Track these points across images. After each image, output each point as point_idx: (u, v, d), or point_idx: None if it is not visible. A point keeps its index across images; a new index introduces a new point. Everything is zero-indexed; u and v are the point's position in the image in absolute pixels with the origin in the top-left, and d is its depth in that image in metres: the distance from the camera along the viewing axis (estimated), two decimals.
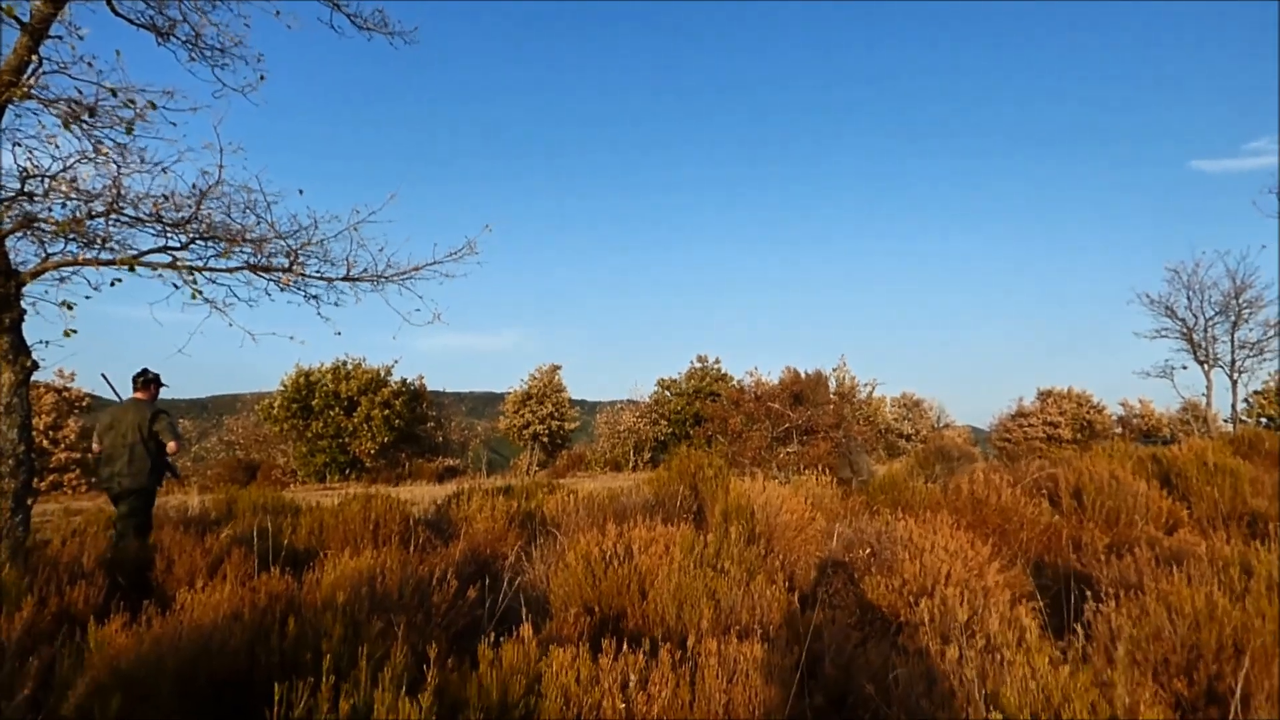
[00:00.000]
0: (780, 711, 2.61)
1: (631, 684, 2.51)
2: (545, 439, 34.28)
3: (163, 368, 6.73)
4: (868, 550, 4.23)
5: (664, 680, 2.59)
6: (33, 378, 5.30)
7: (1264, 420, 31.19)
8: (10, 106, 4.90)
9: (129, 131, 4.84)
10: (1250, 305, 19.82)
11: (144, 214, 5.22)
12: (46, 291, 5.40)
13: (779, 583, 3.82)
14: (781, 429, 8.72)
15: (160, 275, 5.34)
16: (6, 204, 5.04)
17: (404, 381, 31.05)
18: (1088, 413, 36.38)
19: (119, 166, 5.06)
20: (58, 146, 4.98)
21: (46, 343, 5.31)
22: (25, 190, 5.10)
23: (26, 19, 4.73)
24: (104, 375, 6.47)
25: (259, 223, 5.61)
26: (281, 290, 6.20)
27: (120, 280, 5.13)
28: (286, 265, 5.90)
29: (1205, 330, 20.62)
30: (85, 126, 4.86)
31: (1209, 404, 21.28)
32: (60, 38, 4.94)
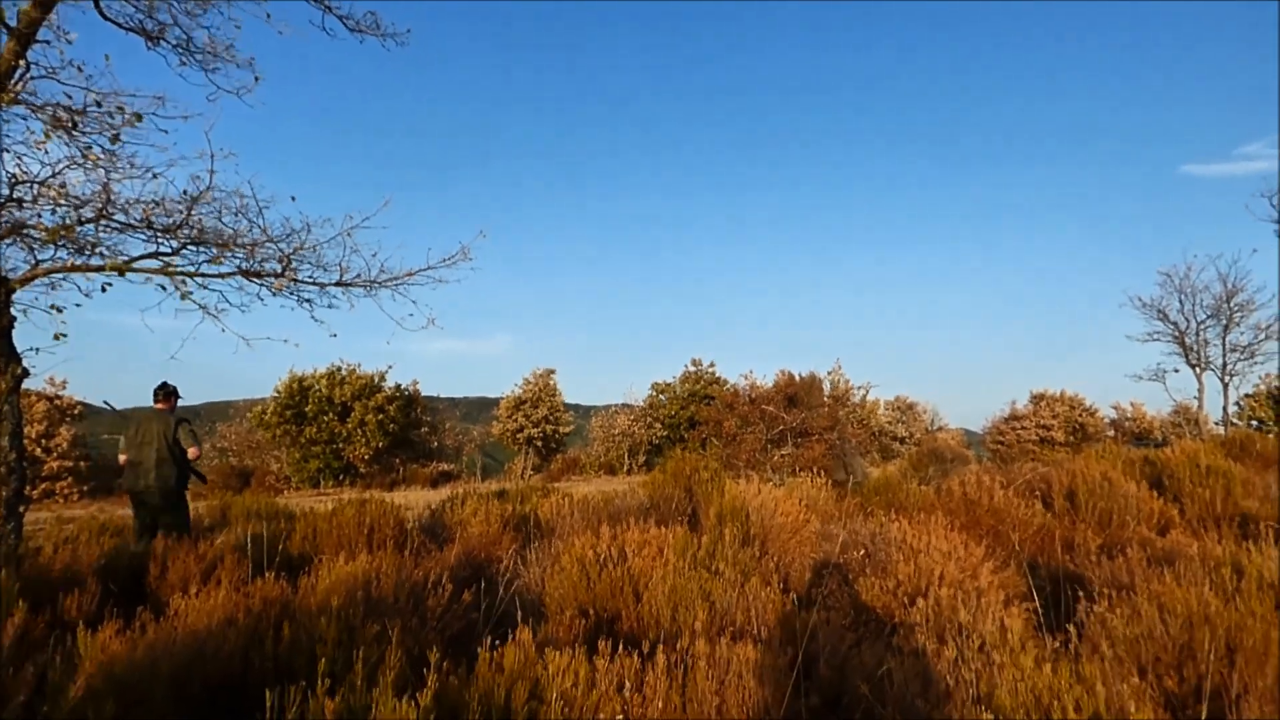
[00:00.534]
0: (774, 712, 2.62)
1: (627, 687, 2.52)
2: (539, 443, 34.25)
3: (156, 375, 6.76)
4: (862, 552, 4.25)
5: (659, 682, 2.60)
6: (24, 385, 5.28)
7: (1255, 423, 31.36)
8: None
9: (114, 141, 4.83)
10: (1241, 309, 19.96)
11: (134, 220, 5.21)
12: (36, 299, 5.39)
13: (774, 584, 3.83)
14: (776, 431, 8.75)
15: (151, 281, 5.33)
16: None
17: (398, 387, 31.01)
18: (1080, 416, 36.54)
19: (108, 172, 5.05)
20: (46, 152, 4.97)
21: (37, 349, 5.30)
22: (14, 196, 5.09)
23: (14, 23, 4.73)
24: (106, 402, 7.04)
25: (251, 228, 5.60)
26: (274, 295, 6.19)
27: (110, 285, 5.12)
28: (279, 270, 5.90)
29: (1197, 334, 20.76)
30: (72, 133, 4.85)
31: (1201, 407, 21.42)
32: (48, 42, 4.93)
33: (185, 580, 4.57)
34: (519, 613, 4.48)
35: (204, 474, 7.75)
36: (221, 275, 5.80)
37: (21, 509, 5.12)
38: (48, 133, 4.70)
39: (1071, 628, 3.34)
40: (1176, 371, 21.96)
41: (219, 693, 3.04)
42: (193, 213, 5.35)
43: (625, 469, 32.54)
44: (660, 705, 2.54)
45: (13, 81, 4.87)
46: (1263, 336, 19.82)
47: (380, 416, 28.89)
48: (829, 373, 31.51)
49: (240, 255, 5.88)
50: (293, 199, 5.64)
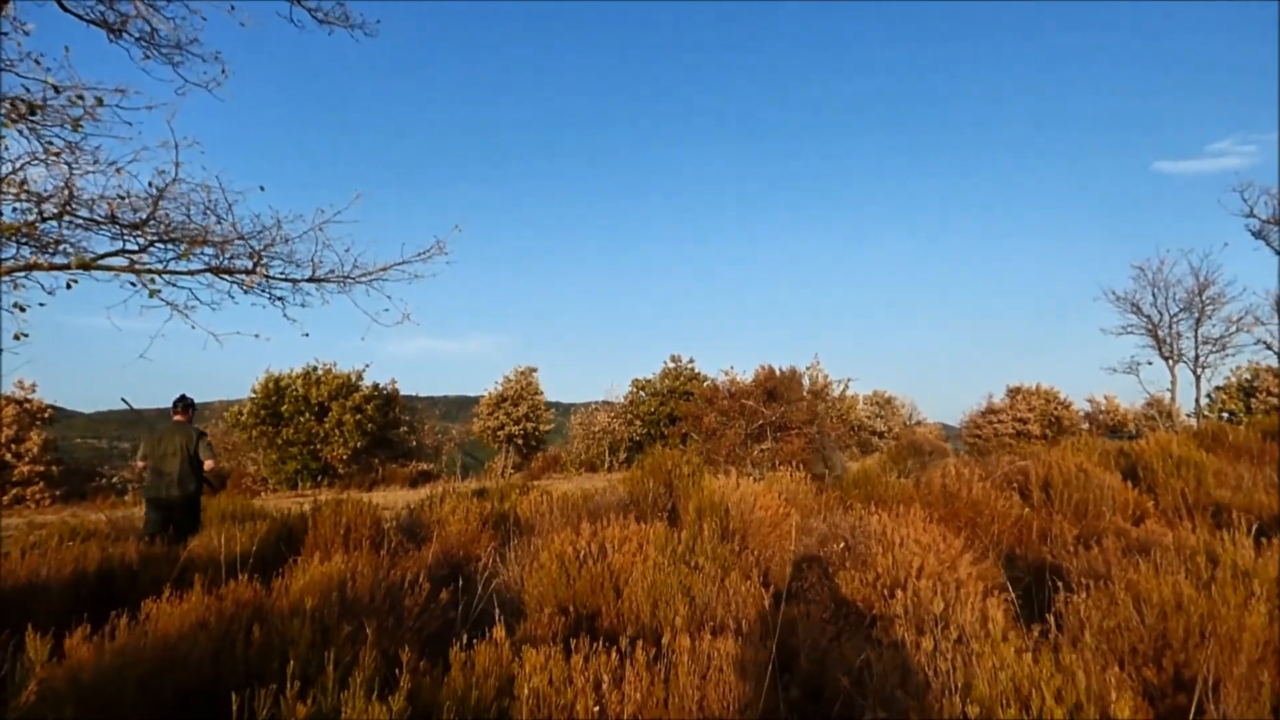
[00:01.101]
0: (754, 707, 2.60)
1: (605, 684, 2.49)
2: (520, 441, 34.14)
3: (126, 375, 6.68)
4: (842, 545, 4.24)
5: (638, 679, 2.57)
6: None
7: (1226, 415, 31.88)
8: None
9: (75, 128, 4.71)
10: (1213, 302, 20.28)
11: (99, 216, 5.09)
12: None
13: (754, 578, 3.82)
14: (755, 426, 8.73)
15: (118, 279, 5.21)
16: None
17: (376, 386, 30.73)
18: (1056, 409, 36.91)
19: (71, 167, 4.93)
20: (7, 148, 4.84)
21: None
22: None
23: None
24: (124, 399, 7.24)
25: (219, 223, 5.49)
26: (246, 293, 6.09)
27: (75, 282, 5.00)
28: (250, 267, 5.80)
29: (1170, 326, 21.07)
30: (32, 125, 4.73)
31: (1173, 399, 21.74)
32: (5, 34, 4.80)
33: (158, 584, 4.48)
34: (498, 611, 4.45)
35: (215, 483, 8.26)
36: (190, 272, 5.69)
37: None
38: (5, 123, 4.56)
39: (1050, 618, 3.36)
40: (1150, 364, 22.30)
41: (191, 697, 2.97)
42: (159, 207, 5.23)
43: (606, 466, 32.50)
44: (640, 700, 2.51)
45: None
46: (1234, 329, 20.17)
47: (358, 416, 28.63)
48: (808, 368, 31.61)
49: (210, 252, 5.77)
50: (261, 189, 5.54)
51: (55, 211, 5.08)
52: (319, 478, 28.71)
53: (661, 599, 3.54)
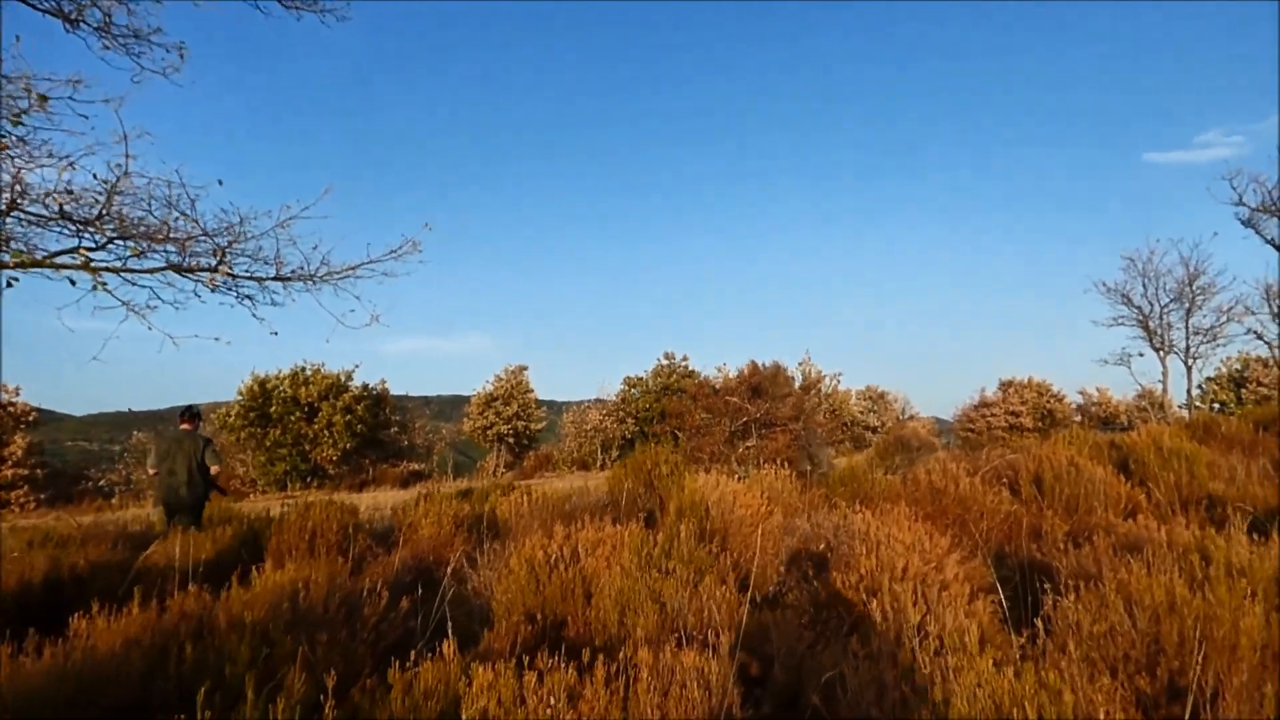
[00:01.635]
0: None
1: (557, 704, 2.31)
2: (511, 440, 33.94)
3: (92, 377, 6.46)
4: (823, 545, 4.07)
5: (596, 696, 2.39)
6: None
7: (1217, 406, 31.88)
8: None
9: (15, 122, 4.49)
10: (1204, 292, 20.17)
11: (50, 211, 4.87)
12: None
13: (729, 583, 3.64)
14: (740, 423, 8.54)
15: (70, 279, 5.00)
16: None
17: (366, 386, 30.50)
18: (1048, 402, 36.91)
19: (19, 160, 4.71)
20: None
21: None
22: None
23: None
24: (130, 409, 7.61)
25: (178, 219, 5.28)
26: (213, 291, 5.88)
27: (16, 280, 4.77)
28: (213, 265, 5.58)
29: (1161, 317, 20.97)
30: None
31: (1165, 390, 21.65)
32: None
33: (110, 593, 4.28)
34: (450, 623, 4.27)
35: (224, 488, 8.67)
36: (150, 270, 5.47)
37: None
38: None
39: (1039, 623, 3.19)
40: (1141, 355, 22.19)
41: (123, 716, 2.79)
42: (113, 203, 5.02)
43: (599, 464, 32.31)
44: None
45: None
46: (1225, 319, 20.07)
47: (348, 417, 28.40)
48: (799, 363, 31.52)
49: (172, 249, 5.55)
50: (220, 183, 5.31)
51: (3, 208, 4.86)
52: (308, 479, 28.47)
53: (629, 606, 3.36)
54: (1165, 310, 20.79)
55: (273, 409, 28.11)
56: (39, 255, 5.01)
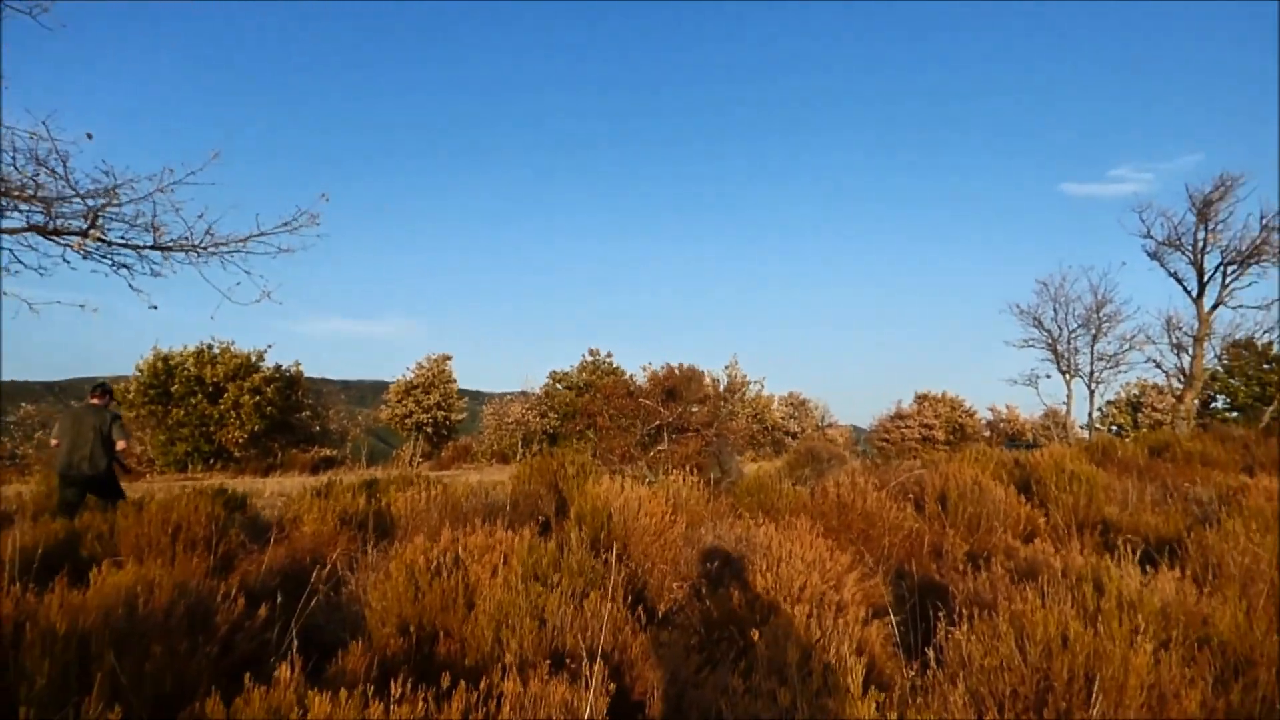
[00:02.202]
0: None
1: None
2: (430, 430, 33.13)
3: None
4: (717, 563, 3.91)
5: None
6: None
7: (1115, 428, 33.55)
8: None
9: None
10: (1109, 319, 21.04)
11: None
12: None
13: (618, 599, 3.43)
14: (653, 426, 8.37)
15: None
16: None
17: (278, 367, 29.27)
18: (960, 416, 38.23)
19: None
20: None
21: None
22: None
23: None
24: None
25: (44, 175, 4.76)
26: (84, 258, 5.37)
27: None
28: (84, 229, 5.08)
29: (1068, 342, 21.79)
30: None
31: (1069, 412, 22.54)
32: None
33: None
34: (333, 629, 3.94)
35: (127, 465, 8.65)
36: (9, 231, 4.93)
37: None
38: None
39: (930, 652, 3.09)
40: (1049, 377, 23.04)
41: None
42: None
43: (519, 457, 31.81)
44: None
45: None
46: (1127, 347, 20.98)
47: (256, 398, 27.16)
48: (726, 366, 31.72)
49: (36, 209, 5.03)
50: (89, 136, 4.79)
51: None
52: (212, 461, 27.15)
53: (506, 623, 3.12)
54: (1073, 335, 21.64)
55: (175, 388, 26.67)
56: None
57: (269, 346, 29.03)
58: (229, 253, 5.48)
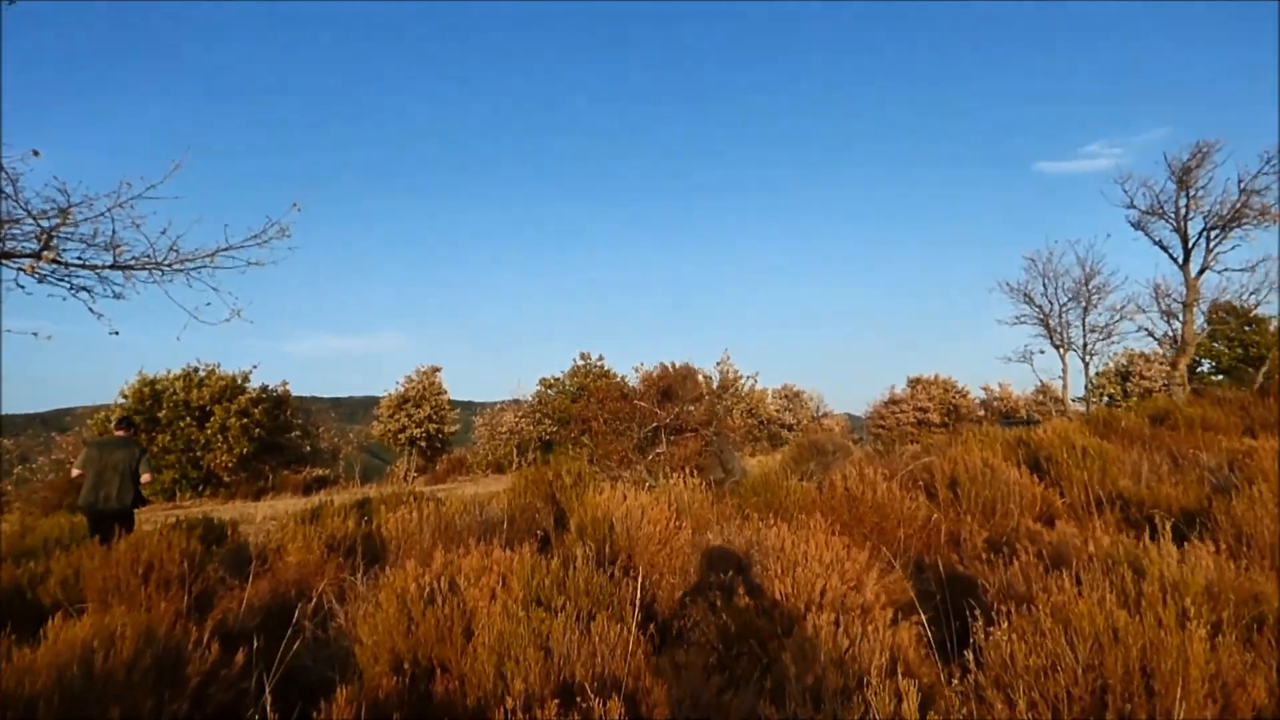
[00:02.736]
0: None
1: None
2: (423, 443, 32.73)
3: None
4: (733, 569, 3.66)
5: None
6: None
7: (1106, 398, 33.56)
8: None
9: None
10: (1099, 291, 20.92)
11: None
12: None
13: (628, 618, 3.18)
14: (650, 428, 8.09)
15: None
16: None
17: (265, 388, 28.85)
18: (954, 397, 38.15)
19: None
20: None
21: None
22: None
23: None
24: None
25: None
26: (39, 282, 5.07)
27: None
28: (36, 250, 4.78)
29: (1060, 316, 21.65)
30: None
31: (1065, 386, 22.41)
32: None
33: None
34: (319, 669, 3.68)
35: (147, 498, 8.63)
36: None
37: None
38: None
39: (969, 655, 2.85)
40: (1042, 353, 22.91)
41: None
42: None
43: (514, 466, 31.47)
44: None
45: None
46: (1118, 317, 20.85)
47: (244, 420, 26.73)
48: (717, 363, 31.48)
49: None
50: (35, 153, 4.48)
51: None
52: (201, 487, 26.70)
53: (509, 654, 2.86)
54: (1064, 309, 21.50)
55: (162, 413, 26.22)
56: None
57: (254, 367, 28.64)
58: (195, 269, 5.19)
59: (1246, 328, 25.98)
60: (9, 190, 4.76)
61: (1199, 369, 28.45)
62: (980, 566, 4.01)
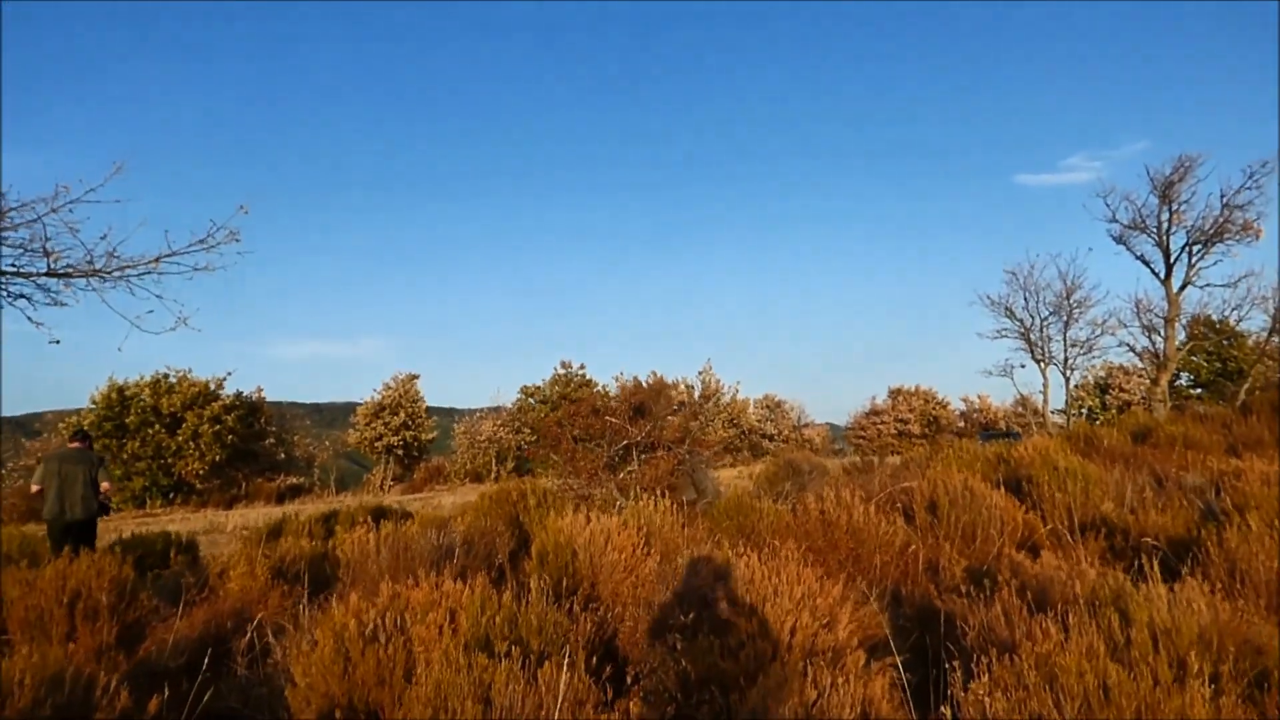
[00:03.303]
0: None
1: None
2: (400, 451, 32.29)
3: None
4: (694, 611, 3.42)
5: None
6: None
7: (1085, 410, 33.71)
8: None
9: None
10: (1080, 305, 20.90)
11: None
12: None
13: (579, 664, 2.93)
14: (621, 446, 7.83)
15: None
16: None
17: (238, 394, 28.34)
18: (934, 409, 38.24)
19: None
20: None
21: None
22: None
23: None
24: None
25: None
26: None
27: None
28: None
29: (1041, 330, 21.63)
30: None
31: (1046, 400, 22.38)
32: None
33: None
34: (248, 715, 3.40)
35: (109, 506, 8.57)
36: None
37: None
38: None
39: (946, 711, 2.63)
40: (1023, 366, 22.87)
41: None
42: None
43: (493, 476, 31.10)
44: None
45: None
46: (1099, 331, 20.84)
47: (217, 427, 26.23)
48: (699, 373, 31.31)
49: None
50: None
51: None
52: (171, 495, 26.19)
53: (445, 707, 2.60)
54: (1045, 323, 21.47)
55: (130, 419, 25.68)
56: None
57: (229, 374, 28.16)
58: (137, 275, 4.90)
59: (1225, 342, 26.12)
60: None
61: (1177, 382, 28.59)
62: (959, 602, 3.79)
